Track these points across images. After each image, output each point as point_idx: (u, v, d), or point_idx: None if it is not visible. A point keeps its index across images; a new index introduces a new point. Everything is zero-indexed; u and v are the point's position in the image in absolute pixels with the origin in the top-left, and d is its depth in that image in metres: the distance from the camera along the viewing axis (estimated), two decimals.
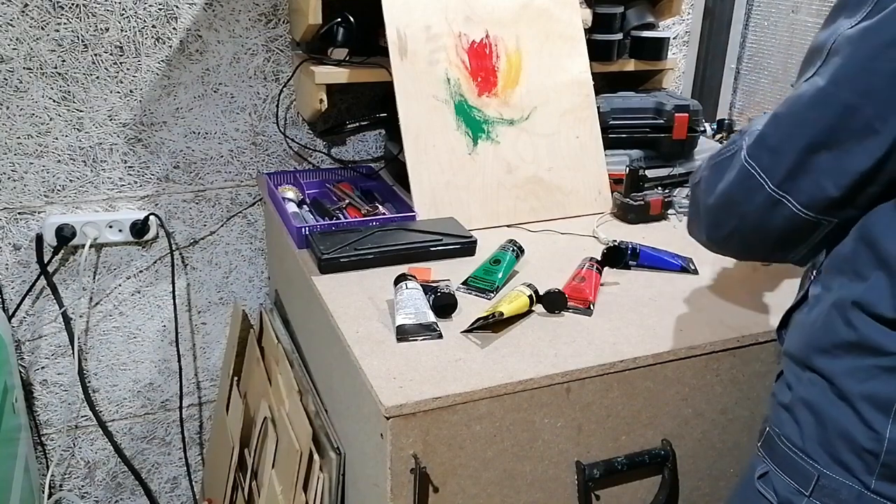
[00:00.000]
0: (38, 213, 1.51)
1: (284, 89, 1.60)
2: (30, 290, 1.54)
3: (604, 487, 1.05)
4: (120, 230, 1.55)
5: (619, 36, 1.67)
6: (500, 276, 1.17)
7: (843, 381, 0.78)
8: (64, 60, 1.43)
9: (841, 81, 0.73)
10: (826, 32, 0.78)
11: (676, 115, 1.52)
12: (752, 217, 0.82)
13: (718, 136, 1.74)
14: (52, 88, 1.44)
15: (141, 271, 1.63)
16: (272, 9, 1.54)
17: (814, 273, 0.85)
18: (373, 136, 1.72)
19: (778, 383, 0.90)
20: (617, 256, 1.24)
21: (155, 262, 1.63)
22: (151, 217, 1.57)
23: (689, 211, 0.96)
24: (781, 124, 0.79)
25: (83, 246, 1.53)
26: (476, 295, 1.15)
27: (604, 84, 1.67)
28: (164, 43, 1.49)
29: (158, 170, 1.57)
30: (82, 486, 1.74)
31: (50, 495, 1.66)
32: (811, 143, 0.76)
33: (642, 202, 1.43)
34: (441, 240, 1.27)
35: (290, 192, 1.48)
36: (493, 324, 1.03)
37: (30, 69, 1.42)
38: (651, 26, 1.71)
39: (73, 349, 1.60)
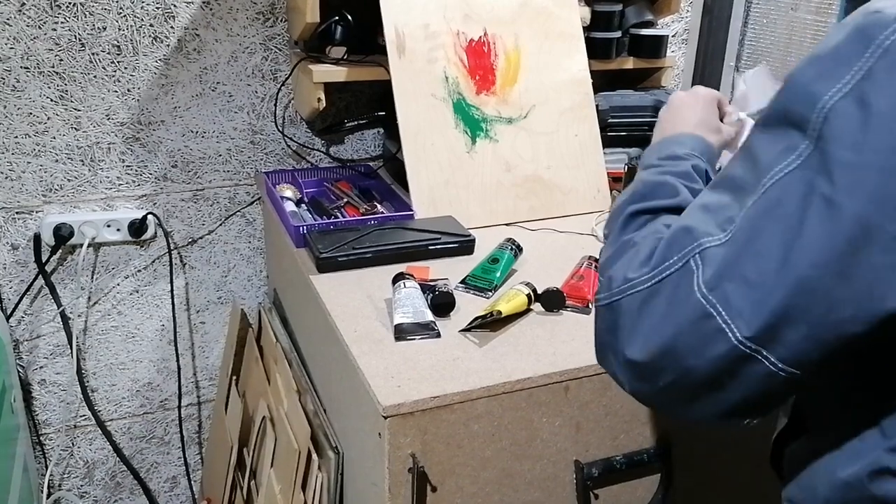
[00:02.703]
0: (36, 212, 1.51)
1: (282, 88, 1.60)
2: (28, 289, 1.54)
3: (602, 486, 1.05)
4: (118, 229, 1.55)
5: (618, 34, 1.66)
6: (498, 274, 1.17)
7: None
8: (61, 59, 1.43)
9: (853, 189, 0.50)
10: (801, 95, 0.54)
11: None
12: (702, 373, 0.56)
13: None
14: (49, 87, 1.44)
15: (139, 270, 1.62)
16: (270, 7, 1.54)
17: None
18: (371, 135, 1.72)
19: None
20: None
21: (153, 262, 1.63)
22: (149, 216, 1.57)
23: (596, 327, 0.64)
24: (759, 247, 0.53)
25: (81, 245, 1.53)
26: (474, 294, 1.15)
27: (603, 82, 1.67)
28: (162, 42, 1.49)
29: (156, 169, 1.57)
30: (81, 485, 1.73)
31: (49, 495, 1.66)
32: (810, 276, 0.51)
33: None
34: (439, 238, 1.26)
35: (288, 191, 1.48)
36: (491, 323, 1.03)
37: (27, 68, 1.42)
38: (650, 24, 1.71)
39: (71, 349, 1.60)
